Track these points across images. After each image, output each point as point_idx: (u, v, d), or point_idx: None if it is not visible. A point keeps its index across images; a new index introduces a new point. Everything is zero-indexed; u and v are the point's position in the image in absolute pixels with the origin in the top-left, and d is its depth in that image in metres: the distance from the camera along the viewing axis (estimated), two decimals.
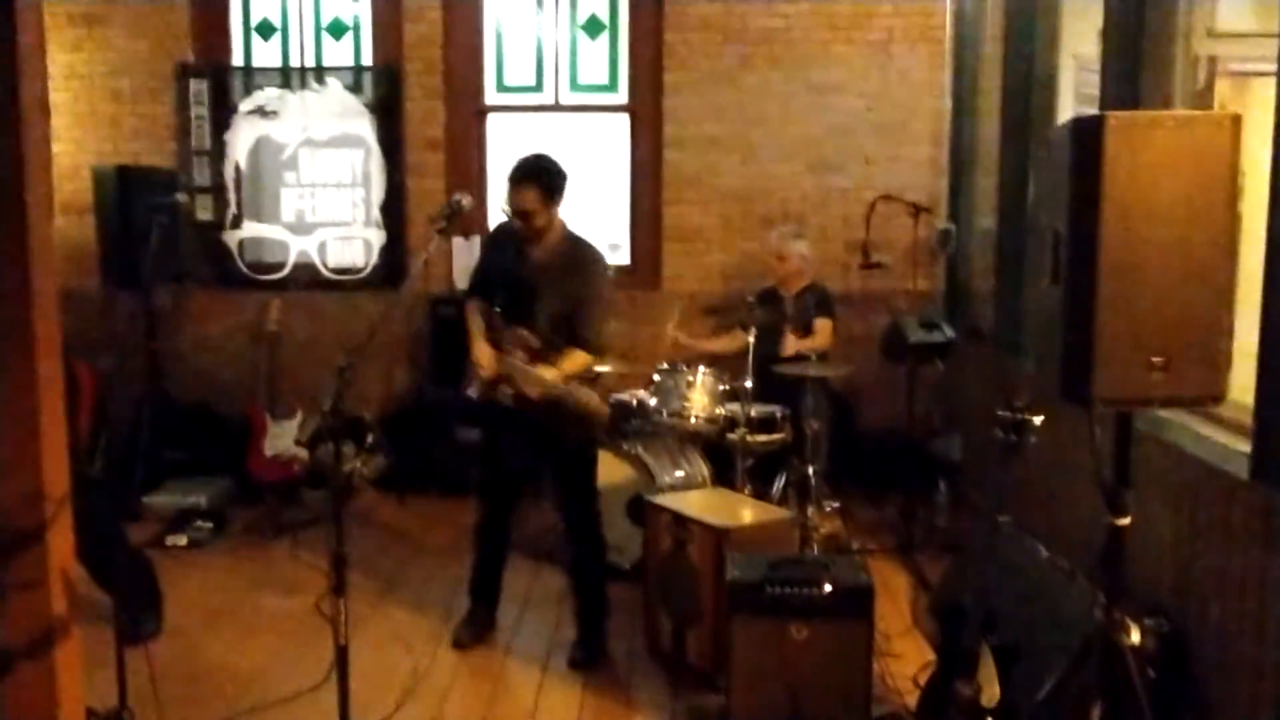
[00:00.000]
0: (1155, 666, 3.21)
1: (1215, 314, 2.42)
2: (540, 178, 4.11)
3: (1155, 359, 2.41)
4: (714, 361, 5.66)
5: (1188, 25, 3.94)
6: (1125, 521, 2.64)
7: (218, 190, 7.10)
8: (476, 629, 4.55)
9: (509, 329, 4.17)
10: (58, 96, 6.90)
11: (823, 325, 5.93)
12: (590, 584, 4.51)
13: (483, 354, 4.16)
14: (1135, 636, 2.66)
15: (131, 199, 6.23)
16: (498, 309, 4.27)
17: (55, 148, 6.47)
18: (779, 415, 5.40)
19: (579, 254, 4.25)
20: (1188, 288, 2.40)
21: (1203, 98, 4.04)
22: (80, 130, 7.07)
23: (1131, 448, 2.66)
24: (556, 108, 7.15)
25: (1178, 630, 3.43)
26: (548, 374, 4.01)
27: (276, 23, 7.16)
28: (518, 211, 4.11)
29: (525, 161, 4.16)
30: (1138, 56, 3.95)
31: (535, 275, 4.22)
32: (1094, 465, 2.63)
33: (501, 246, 4.39)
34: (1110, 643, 2.63)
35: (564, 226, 4.27)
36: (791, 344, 5.75)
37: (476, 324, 4.29)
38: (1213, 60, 4.07)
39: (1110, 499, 2.63)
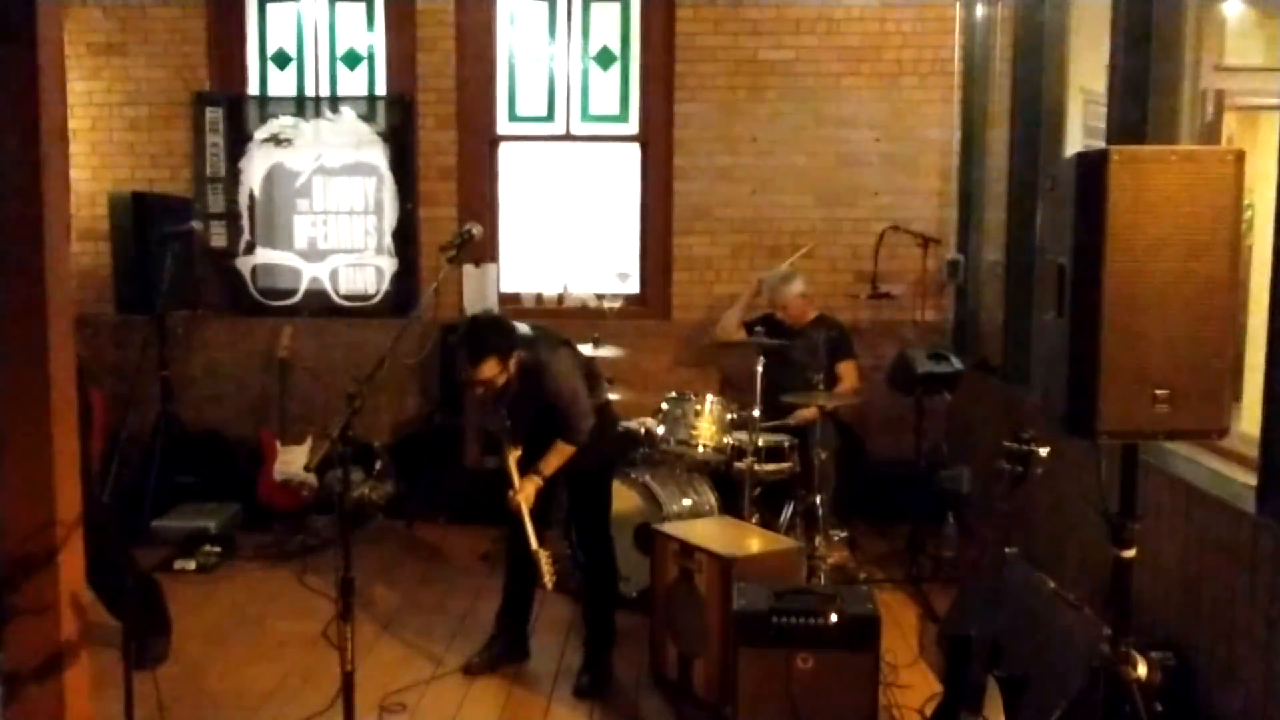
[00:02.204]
0: (1161, 700, 3.19)
1: (1219, 347, 2.43)
2: (494, 348, 4.11)
3: (1159, 392, 2.42)
4: (722, 390, 5.67)
5: (1195, 59, 3.97)
6: (1131, 554, 2.64)
7: (231, 217, 7.16)
8: (493, 657, 4.55)
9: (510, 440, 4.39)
10: (76, 124, 6.98)
11: (847, 369, 5.94)
12: (599, 610, 4.54)
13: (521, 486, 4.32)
14: (1141, 670, 2.65)
15: (147, 225, 6.28)
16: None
17: (72, 174, 6.56)
18: (787, 445, 5.40)
19: (537, 376, 4.27)
20: (1191, 321, 2.42)
21: (1210, 131, 4.06)
22: (97, 157, 7.14)
23: (1137, 480, 2.66)
24: (568, 137, 7.21)
25: (1184, 664, 3.42)
26: (529, 487, 4.29)
27: (292, 52, 7.24)
28: (481, 383, 4.14)
29: (472, 337, 4.16)
30: (1145, 90, 3.97)
31: (511, 406, 4.36)
32: (1099, 497, 2.63)
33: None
34: (1116, 676, 2.63)
35: (519, 355, 4.25)
36: (812, 410, 5.54)
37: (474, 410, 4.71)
38: (1220, 94, 4.10)
39: (1116, 531, 2.63)
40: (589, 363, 4.71)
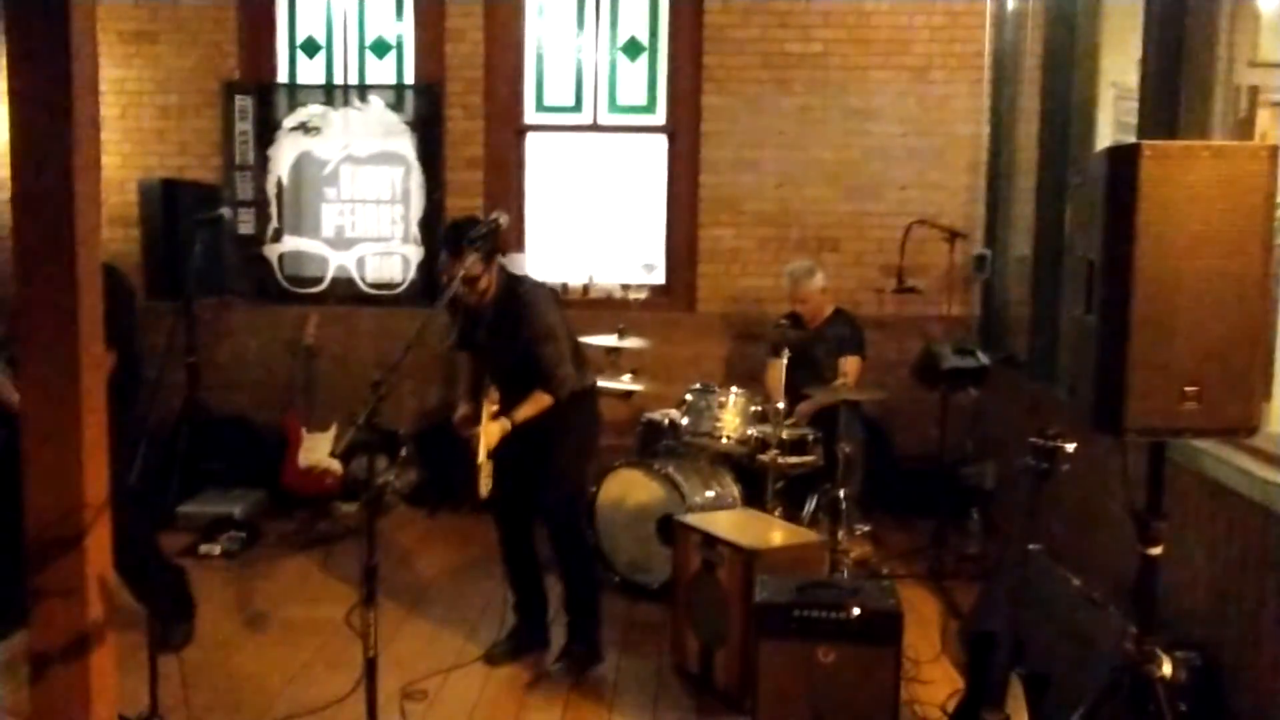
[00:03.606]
0: (1187, 700, 3.18)
1: (1250, 345, 2.41)
2: (473, 240, 4.01)
3: (1188, 389, 2.40)
4: (747, 382, 5.65)
5: (1228, 55, 3.92)
6: (1157, 552, 2.62)
7: (260, 205, 7.21)
8: (514, 646, 4.54)
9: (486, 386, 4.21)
10: (106, 111, 7.02)
11: (850, 365, 5.85)
12: (580, 594, 4.48)
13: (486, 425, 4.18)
14: (1167, 669, 2.64)
15: (176, 212, 6.33)
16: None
17: (103, 161, 6.59)
18: (810, 438, 5.39)
19: (514, 302, 4.25)
20: (1222, 318, 2.39)
21: (1243, 127, 4.02)
22: (128, 144, 7.19)
23: (1165, 478, 2.64)
24: (595, 128, 7.21)
25: (1210, 663, 3.39)
26: (494, 427, 4.09)
27: (321, 41, 7.27)
28: (464, 280, 4.05)
29: (451, 232, 4.14)
30: (1177, 85, 3.93)
31: (486, 338, 4.34)
32: (1126, 495, 2.61)
33: (460, 312, 4.44)
34: (1141, 675, 2.61)
35: (501, 276, 4.26)
36: (815, 401, 5.60)
37: (464, 382, 4.57)
38: (1254, 90, 4.06)
39: (1142, 529, 2.62)
40: (576, 343, 4.56)
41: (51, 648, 2.78)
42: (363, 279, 7.22)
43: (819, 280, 5.98)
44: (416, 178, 7.14)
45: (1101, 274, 2.45)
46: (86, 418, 2.71)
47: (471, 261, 4.00)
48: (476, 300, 4.21)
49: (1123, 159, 2.40)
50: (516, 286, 4.31)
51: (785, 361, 5.18)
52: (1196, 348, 2.40)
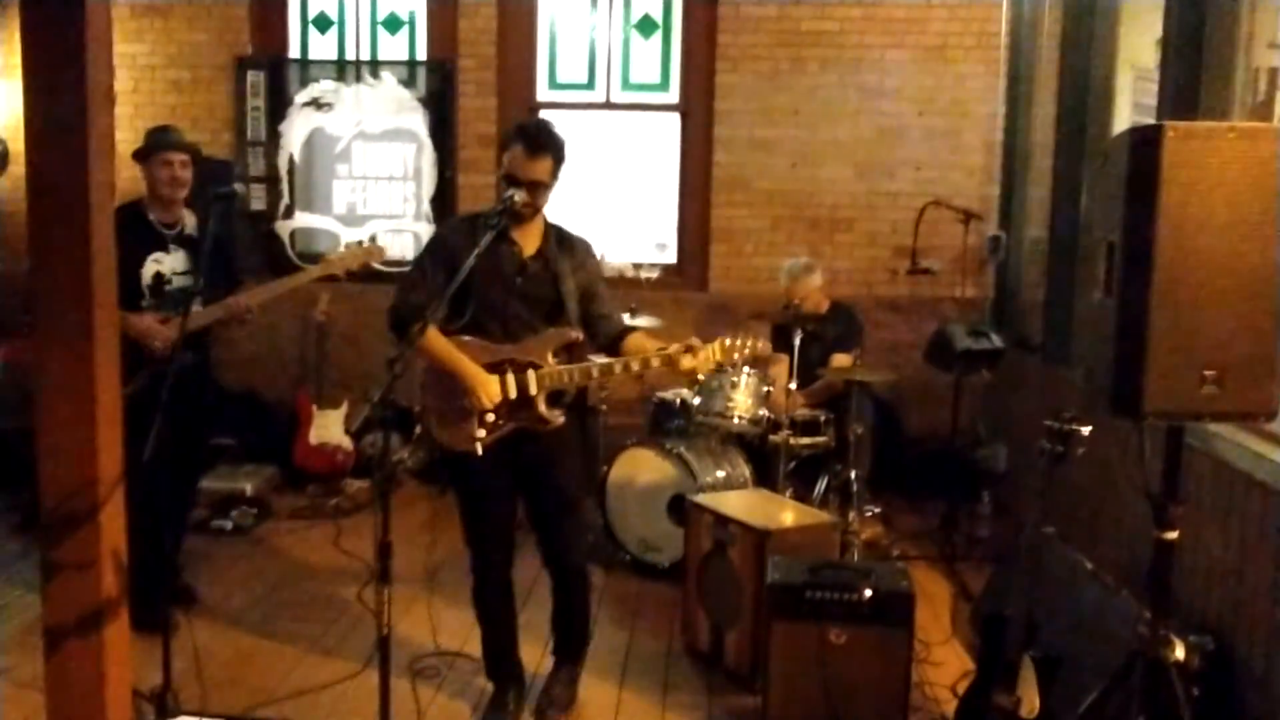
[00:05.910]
0: (1199, 684, 3.17)
1: (1270, 328, 2.39)
2: (556, 148, 3.56)
3: (1207, 372, 2.39)
4: (757, 363, 5.62)
5: (1249, 36, 3.89)
6: (1173, 536, 2.61)
7: (271, 181, 7.20)
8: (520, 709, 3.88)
9: (533, 336, 3.60)
10: (119, 85, 7.02)
11: (839, 360, 5.57)
12: (573, 634, 3.98)
13: (491, 385, 3.57)
14: (1179, 653, 2.63)
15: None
16: (474, 326, 3.66)
17: (115, 136, 6.59)
18: (822, 419, 5.37)
19: (573, 240, 3.75)
20: (1242, 301, 2.38)
21: (1263, 109, 3.99)
22: (140, 119, 7.14)
23: (1181, 462, 2.63)
24: (608, 106, 7.18)
25: (1223, 648, 3.39)
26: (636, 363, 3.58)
27: (333, 16, 7.24)
28: (527, 182, 3.49)
29: (539, 129, 3.59)
30: (1197, 67, 3.90)
31: (541, 269, 3.65)
32: (1142, 479, 2.60)
33: (469, 248, 3.40)
34: (1154, 659, 2.61)
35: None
36: (801, 399, 5.40)
37: (460, 353, 3.67)
38: (1274, 72, 4.02)
39: (1158, 513, 2.60)
40: None
41: (66, 622, 2.79)
42: None
43: (816, 279, 5.69)
44: (428, 155, 7.13)
45: (1122, 256, 2.43)
46: (100, 394, 2.71)
47: (545, 166, 3.53)
48: (530, 217, 3.59)
49: (1146, 140, 2.38)
50: (562, 228, 3.75)
51: (798, 341, 5.15)
52: (1216, 331, 2.38)
